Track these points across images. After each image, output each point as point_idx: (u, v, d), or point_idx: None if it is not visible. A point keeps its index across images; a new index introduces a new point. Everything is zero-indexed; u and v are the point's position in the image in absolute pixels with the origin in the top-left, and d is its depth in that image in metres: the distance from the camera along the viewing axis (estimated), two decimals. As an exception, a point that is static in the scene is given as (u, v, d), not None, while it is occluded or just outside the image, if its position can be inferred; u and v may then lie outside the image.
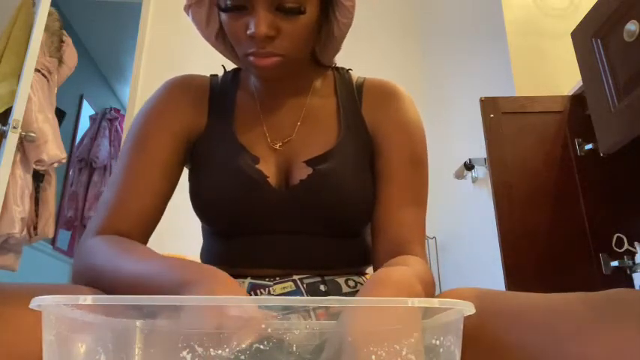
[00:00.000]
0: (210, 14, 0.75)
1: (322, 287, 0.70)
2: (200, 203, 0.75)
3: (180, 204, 0.84)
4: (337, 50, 0.80)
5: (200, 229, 0.82)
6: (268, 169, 0.72)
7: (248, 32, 0.66)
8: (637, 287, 1.42)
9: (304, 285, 0.70)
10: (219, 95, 0.80)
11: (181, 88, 0.79)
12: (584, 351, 0.42)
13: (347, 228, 0.74)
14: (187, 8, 0.75)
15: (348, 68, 0.86)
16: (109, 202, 0.70)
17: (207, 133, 0.77)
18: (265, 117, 0.78)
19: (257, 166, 0.72)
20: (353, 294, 0.72)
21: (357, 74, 0.85)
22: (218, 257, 0.77)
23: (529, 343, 0.46)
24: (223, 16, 0.69)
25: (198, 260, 0.80)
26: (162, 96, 0.78)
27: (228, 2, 0.67)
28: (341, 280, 0.72)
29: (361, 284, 0.74)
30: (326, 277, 0.72)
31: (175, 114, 0.76)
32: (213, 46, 0.80)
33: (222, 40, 0.78)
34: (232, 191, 0.71)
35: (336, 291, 0.71)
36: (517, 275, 1.47)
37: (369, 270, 0.81)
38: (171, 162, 0.74)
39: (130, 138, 0.75)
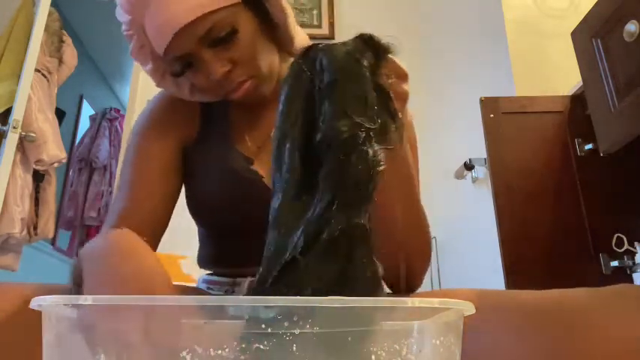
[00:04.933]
0: (176, 81, 0.76)
1: None
2: (195, 206, 0.76)
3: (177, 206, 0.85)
4: (292, 35, 0.74)
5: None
6: (263, 169, 0.72)
7: (210, 79, 0.67)
8: (637, 287, 1.42)
9: None
10: None
11: (172, 96, 0.80)
12: (591, 343, 0.42)
13: None
14: (159, 86, 0.77)
15: None
16: (117, 211, 0.71)
17: (201, 136, 0.78)
18: (257, 118, 0.78)
19: (251, 166, 0.72)
20: None
21: None
22: (216, 259, 0.77)
23: (533, 338, 0.46)
24: (183, 79, 0.72)
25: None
26: (154, 106, 0.80)
27: (177, 68, 0.69)
28: None
29: None
30: None
31: (168, 123, 0.77)
32: (195, 100, 0.79)
33: (197, 92, 0.77)
34: (227, 192, 0.72)
35: None
36: (517, 275, 1.47)
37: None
38: (171, 167, 0.75)
39: (129, 150, 0.77)
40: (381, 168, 0.42)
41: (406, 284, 0.68)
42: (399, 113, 0.49)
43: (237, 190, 0.71)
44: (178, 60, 0.68)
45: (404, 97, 0.52)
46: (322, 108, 0.43)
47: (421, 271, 0.69)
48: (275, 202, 0.46)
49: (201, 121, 0.79)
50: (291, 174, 0.45)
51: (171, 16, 0.63)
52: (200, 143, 0.77)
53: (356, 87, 0.43)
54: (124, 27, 0.72)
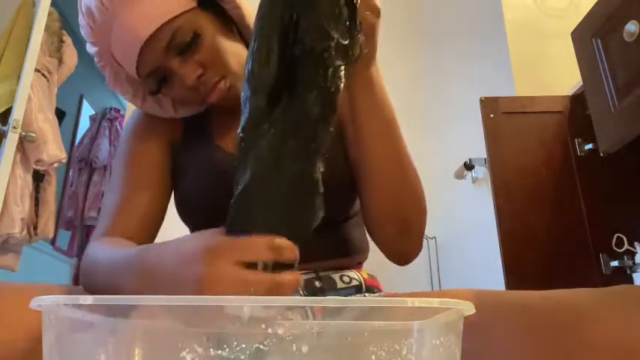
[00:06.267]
0: (158, 101, 0.78)
1: (317, 283, 0.70)
2: (184, 207, 0.78)
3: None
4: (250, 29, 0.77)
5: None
6: None
7: (185, 87, 0.69)
8: (637, 287, 1.42)
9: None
10: None
11: None
12: (591, 343, 0.42)
13: (334, 211, 0.74)
14: (142, 109, 0.80)
15: None
16: (110, 210, 0.72)
17: (185, 139, 0.80)
18: (239, 118, 0.79)
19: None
20: (348, 289, 0.72)
21: None
22: None
23: (532, 338, 0.46)
24: (163, 97, 0.75)
25: None
26: (140, 113, 0.83)
27: (153, 86, 0.71)
28: (336, 276, 0.72)
29: (356, 279, 0.74)
30: (321, 273, 0.71)
31: (154, 126, 0.80)
32: (179, 115, 0.81)
33: (180, 107, 0.80)
34: (214, 190, 0.72)
35: (331, 287, 0.71)
36: (517, 275, 1.47)
37: (365, 267, 0.80)
38: (161, 166, 0.77)
39: (118, 155, 0.79)
40: (342, 83, 0.45)
41: (403, 242, 0.68)
42: (374, 28, 0.55)
43: (224, 188, 0.72)
44: (152, 76, 0.70)
45: (376, 11, 0.55)
46: (300, 22, 0.46)
47: (418, 225, 0.68)
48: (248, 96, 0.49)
49: (185, 125, 0.81)
50: (268, 71, 0.47)
51: (132, 33, 0.66)
52: (185, 145, 0.79)
53: (330, 2, 0.46)
54: (95, 60, 0.75)
